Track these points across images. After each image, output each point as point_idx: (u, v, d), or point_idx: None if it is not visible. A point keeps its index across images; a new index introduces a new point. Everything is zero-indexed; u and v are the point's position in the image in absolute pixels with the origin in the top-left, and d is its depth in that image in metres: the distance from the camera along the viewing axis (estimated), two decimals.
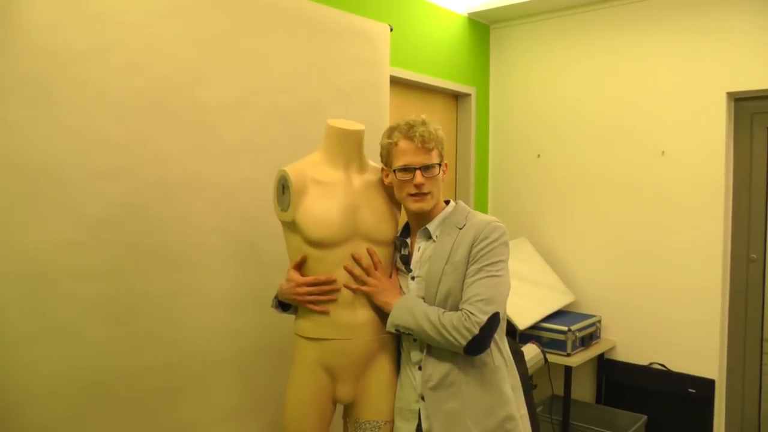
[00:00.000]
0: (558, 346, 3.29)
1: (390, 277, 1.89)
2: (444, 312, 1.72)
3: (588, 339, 3.46)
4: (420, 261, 1.85)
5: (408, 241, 1.91)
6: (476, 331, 1.66)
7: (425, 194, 1.79)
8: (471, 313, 1.67)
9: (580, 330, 3.38)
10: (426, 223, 1.85)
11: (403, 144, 1.78)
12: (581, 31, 3.76)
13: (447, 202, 1.90)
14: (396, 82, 3.36)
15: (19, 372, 1.74)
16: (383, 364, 1.87)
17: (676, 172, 3.43)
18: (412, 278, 1.85)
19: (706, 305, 3.34)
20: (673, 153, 3.44)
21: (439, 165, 1.81)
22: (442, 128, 1.85)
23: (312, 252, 1.80)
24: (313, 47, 2.50)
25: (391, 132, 1.84)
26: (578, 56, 3.78)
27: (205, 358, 2.15)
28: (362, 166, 1.93)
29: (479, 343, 1.68)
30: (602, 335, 3.63)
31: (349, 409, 1.93)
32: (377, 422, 1.87)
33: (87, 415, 1.86)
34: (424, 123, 1.80)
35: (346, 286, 1.82)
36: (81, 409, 1.85)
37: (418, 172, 1.76)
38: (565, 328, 3.29)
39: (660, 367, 3.49)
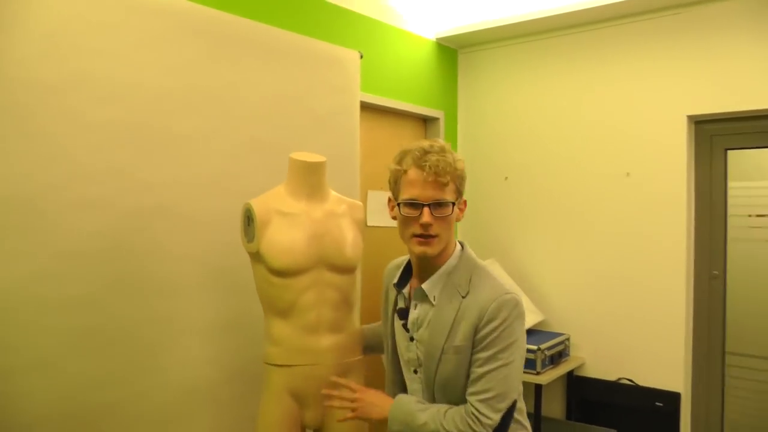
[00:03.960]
0: (528, 364, 3.33)
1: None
2: (445, 415, 1.50)
3: (557, 357, 3.52)
4: (417, 323, 1.63)
5: (405, 291, 1.68)
6: None
7: (432, 237, 1.52)
8: (480, 413, 1.46)
9: (549, 348, 3.44)
10: (432, 271, 1.59)
11: (413, 173, 1.51)
12: (547, 56, 3.86)
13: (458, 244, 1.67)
14: (366, 108, 3.42)
15: None
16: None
17: (640, 193, 3.52)
18: (411, 339, 1.65)
19: (671, 321, 3.42)
20: (637, 174, 3.54)
21: (454, 204, 1.54)
22: (463, 160, 1.60)
23: (277, 281, 1.84)
24: (285, 75, 2.53)
25: (402, 157, 1.57)
26: (544, 80, 3.88)
27: (180, 386, 2.17)
28: (324, 197, 1.97)
29: None
30: (571, 353, 3.70)
31: None
32: None
33: None
34: (442, 150, 1.52)
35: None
36: None
37: (426, 210, 1.49)
38: (535, 347, 3.34)
39: (628, 382, 3.56)
